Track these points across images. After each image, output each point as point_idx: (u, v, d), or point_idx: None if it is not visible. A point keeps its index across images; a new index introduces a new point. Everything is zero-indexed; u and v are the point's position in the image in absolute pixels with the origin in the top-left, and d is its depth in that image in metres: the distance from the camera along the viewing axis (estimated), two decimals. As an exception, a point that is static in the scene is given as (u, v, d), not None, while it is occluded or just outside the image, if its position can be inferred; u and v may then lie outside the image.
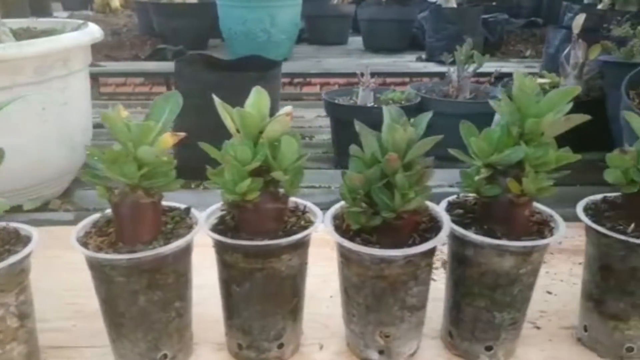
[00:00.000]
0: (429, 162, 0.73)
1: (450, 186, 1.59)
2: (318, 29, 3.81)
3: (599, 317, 0.82)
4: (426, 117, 0.74)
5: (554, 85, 1.75)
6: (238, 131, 0.73)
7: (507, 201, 0.75)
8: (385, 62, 3.25)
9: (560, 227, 0.78)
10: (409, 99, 1.68)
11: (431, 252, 0.76)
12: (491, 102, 0.77)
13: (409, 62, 3.24)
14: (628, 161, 0.77)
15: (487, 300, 0.78)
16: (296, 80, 3.33)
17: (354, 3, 3.88)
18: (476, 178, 0.76)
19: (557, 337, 0.89)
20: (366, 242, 0.75)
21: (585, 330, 0.85)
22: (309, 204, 0.83)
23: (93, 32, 1.42)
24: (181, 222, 0.79)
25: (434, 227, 0.78)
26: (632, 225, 0.77)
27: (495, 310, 0.78)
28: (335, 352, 0.85)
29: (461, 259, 0.78)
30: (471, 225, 0.78)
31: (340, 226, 0.78)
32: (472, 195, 0.82)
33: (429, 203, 0.81)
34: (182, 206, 0.81)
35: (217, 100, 0.73)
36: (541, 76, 1.80)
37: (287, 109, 0.75)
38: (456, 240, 0.78)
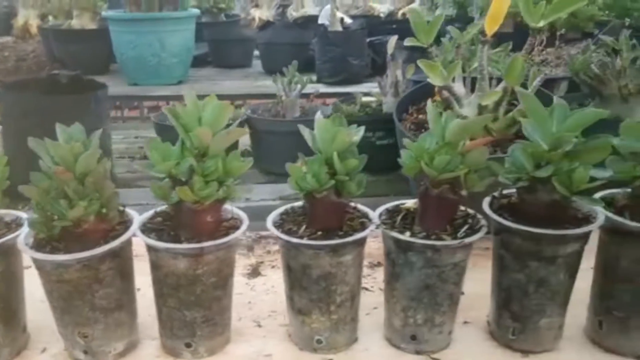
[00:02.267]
0: (100, 174, 0.80)
1: (274, 200, 1.67)
2: (222, 52, 3.90)
3: (292, 312, 0.90)
4: (97, 134, 0.82)
5: (380, 103, 1.86)
6: None
7: (188, 208, 0.83)
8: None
9: (244, 225, 0.86)
10: (234, 118, 1.76)
11: (112, 255, 0.82)
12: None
13: (299, 83, 3.34)
14: (300, 171, 0.85)
15: (175, 300, 0.85)
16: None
17: (260, 27, 3.99)
18: (159, 188, 0.83)
19: (272, 334, 0.96)
20: (54, 250, 0.81)
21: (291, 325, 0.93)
22: (25, 216, 0.89)
23: None
24: None
25: (123, 233, 0.85)
26: (304, 227, 0.86)
27: (184, 309, 0.85)
28: (54, 354, 0.91)
29: (151, 262, 0.85)
30: (160, 232, 0.85)
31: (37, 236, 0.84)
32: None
33: (131, 212, 0.88)
34: None
35: None
36: (368, 94, 1.91)
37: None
38: (146, 246, 0.85)
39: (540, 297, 0.85)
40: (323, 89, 3.14)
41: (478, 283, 0.95)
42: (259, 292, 1.09)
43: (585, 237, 0.84)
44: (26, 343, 0.92)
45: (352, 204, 0.92)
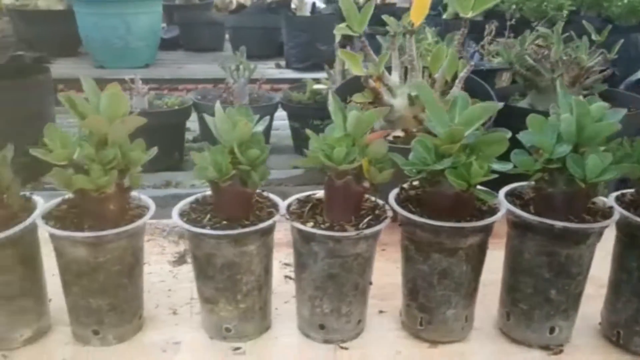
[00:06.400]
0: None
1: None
2: (192, 36, 3.87)
3: (201, 300, 0.91)
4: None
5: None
6: None
7: (91, 196, 0.82)
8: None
9: (148, 214, 0.86)
10: (182, 103, 1.76)
11: (9, 243, 0.81)
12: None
13: (268, 68, 3.33)
14: (205, 159, 0.85)
15: (79, 288, 0.85)
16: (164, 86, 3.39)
17: (231, 11, 3.96)
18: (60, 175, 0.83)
19: (186, 322, 0.96)
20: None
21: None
22: None
23: None
24: None
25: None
26: (208, 217, 0.86)
27: (89, 297, 0.85)
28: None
29: (56, 251, 0.85)
30: (65, 220, 0.85)
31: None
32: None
33: (38, 200, 0.88)
34: None
35: None
36: (318, 82, 1.90)
37: None
38: (49, 235, 0.85)
39: (445, 289, 0.86)
40: (291, 74, 3.14)
41: (396, 273, 0.96)
42: (181, 280, 1.09)
43: (485, 229, 0.84)
44: None
45: (265, 194, 0.92)
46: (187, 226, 0.84)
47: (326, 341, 0.90)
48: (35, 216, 0.84)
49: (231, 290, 0.86)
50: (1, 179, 0.81)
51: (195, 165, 0.85)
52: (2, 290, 0.83)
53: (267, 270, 0.89)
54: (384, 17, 1.29)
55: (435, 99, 0.79)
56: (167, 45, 3.69)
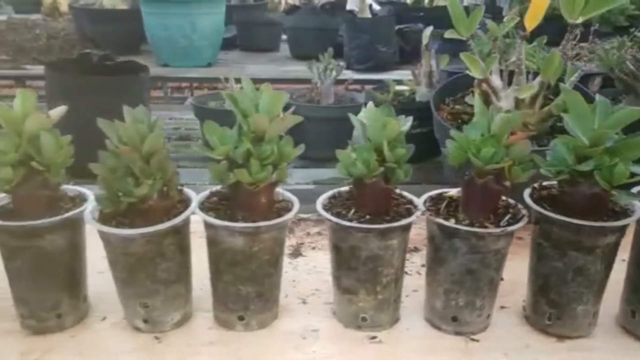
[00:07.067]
0: (164, 155, 0.85)
1: (307, 183, 1.72)
2: (249, 36, 3.93)
3: (338, 291, 0.95)
4: (160, 119, 0.87)
5: (413, 92, 1.89)
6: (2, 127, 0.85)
7: (245, 189, 0.88)
8: (306, 69, 3.38)
9: (294, 209, 0.91)
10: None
11: (174, 231, 0.87)
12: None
13: (327, 69, 3.38)
14: (349, 157, 0.90)
15: (231, 275, 0.90)
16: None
17: (286, 12, 4.02)
18: (217, 170, 0.88)
19: (317, 310, 1.01)
20: (119, 225, 0.87)
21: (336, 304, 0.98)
22: (89, 192, 0.95)
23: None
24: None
25: (184, 211, 0.90)
26: (352, 211, 0.91)
27: (239, 284, 0.91)
28: (114, 323, 0.96)
29: (209, 239, 0.91)
30: (217, 210, 0.90)
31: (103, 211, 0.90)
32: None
33: (189, 192, 0.94)
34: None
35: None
36: (400, 83, 1.94)
37: (55, 111, 0.88)
38: (204, 224, 0.90)
39: (578, 285, 0.89)
40: (352, 75, 3.18)
41: (512, 270, 0.99)
42: (300, 272, 1.14)
43: (622, 229, 0.87)
44: (87, 312, 0.98)
45: (398, 191, 0.96)
46: (335, 219, 0.88)
47: (457, 333, 0.94)
48: (194, 207, 0.89)
49: (372, 282, 0.91)
50: (166, 172, 0.86)
51: (340, 162, 0.90)
52: (163, 275, 0.89)
53: (403, 264, 0.93)
54: (488, 22, 1.32)
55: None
56: (224, 45, 3.76)
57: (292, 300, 1.04)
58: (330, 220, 0.89)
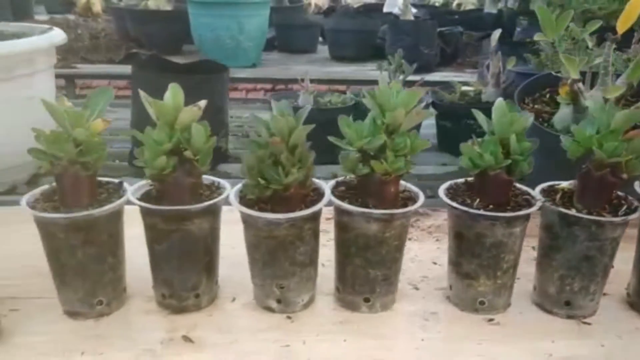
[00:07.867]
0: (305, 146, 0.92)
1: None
2: (288, 38, 4.00)
3: (456, 277, 1.01)
4: (305, 110, 0.93)
5: (478, 93, 1.95)
6: (158, 119, 0.92)
7: (377, 179, 0.94)
8: (347, 70, 3.46)
9: (420, 199, 0.97)
10: (344, 102, 1.88)
11: (312, 217, 0.94)
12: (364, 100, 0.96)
13: (369, 70, 3.44)
14: (474, 150, 0.96)
15: (361, 259, 0.97)
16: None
17: (324, 13, 4.09)
18: (350, 161, 0.95)
19: (430, 295, 1.07)
20: (261, 210, 0.93)
21: (451, 289, 1.04)
22: (222, 181, 1.01)
23: (54, 36, 1.61)
24: (114, 192, 0.97)
25: (318, 199, 0.96)
26: (477, 200, 0.97)
27: (369, 267, 0.97)
28: (244, 303, 1.03)
29: (341, 225, 0.97)
30: (348, 199, 0.97)
31: (244, 198, 0.96)
32: (351, 175, 1.00)
33: (318, 181, 1.00)
34: (116, 180, 0.99)
35: (142, 94, 0.92)
36: (466, 84, 2.00)
37: (200, 103, 0.94)
38: (337, 211, 0.97)
39: (686, 272, 0.95)
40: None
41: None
42: (405, 260, 1.19)
43: None
44: (217, 294, 1.04)
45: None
46: (463, 208, 0.94)
47: (569, 316, 1.00)
48: (329, 195, 0.96)
49: (493, 268, 0.97)
50: (306, 162, 0.92)
51: (463, 155, 0.96)
52: (300, 258, 0.95)
53: (520, 252, 0.99)
54: (571, 25, 1.38)
55: None
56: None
57: (403, 285, 1.10)
58: (457, 208, 0.95)
